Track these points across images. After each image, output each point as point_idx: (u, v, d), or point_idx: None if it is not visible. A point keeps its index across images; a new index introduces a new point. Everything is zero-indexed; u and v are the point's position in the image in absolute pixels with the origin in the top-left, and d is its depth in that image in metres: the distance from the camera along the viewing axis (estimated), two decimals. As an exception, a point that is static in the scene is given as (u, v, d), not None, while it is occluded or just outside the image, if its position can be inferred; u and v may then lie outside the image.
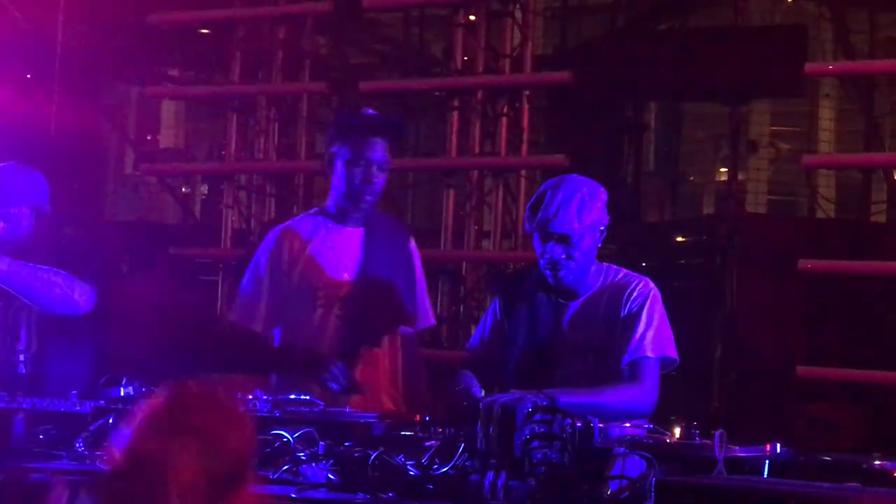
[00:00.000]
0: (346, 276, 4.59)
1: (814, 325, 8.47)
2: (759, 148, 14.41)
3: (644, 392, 3.93)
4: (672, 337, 4.05)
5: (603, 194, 4.12)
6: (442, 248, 8.43)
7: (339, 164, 4.57)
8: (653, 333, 4.00)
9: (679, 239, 10.27)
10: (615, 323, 4.04)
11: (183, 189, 13.34)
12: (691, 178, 16.08)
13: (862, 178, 11.07)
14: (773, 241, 8.86)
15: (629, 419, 3.67)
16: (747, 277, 8.88)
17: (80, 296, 4.63)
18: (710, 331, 9.03)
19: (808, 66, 8.08)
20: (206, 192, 13.32)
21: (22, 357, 4.61)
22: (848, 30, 10.74)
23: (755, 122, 14.42)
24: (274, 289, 4.59)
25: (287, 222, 4.81)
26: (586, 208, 4.07)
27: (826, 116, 14.07)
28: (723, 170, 15.65)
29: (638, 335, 3.98)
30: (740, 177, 14.77)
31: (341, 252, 4.61)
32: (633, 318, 3.99)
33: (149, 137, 15.31)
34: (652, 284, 4.11)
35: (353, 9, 8.74)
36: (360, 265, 4.60)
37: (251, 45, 9.08)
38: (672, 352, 4.04)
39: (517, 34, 8.40)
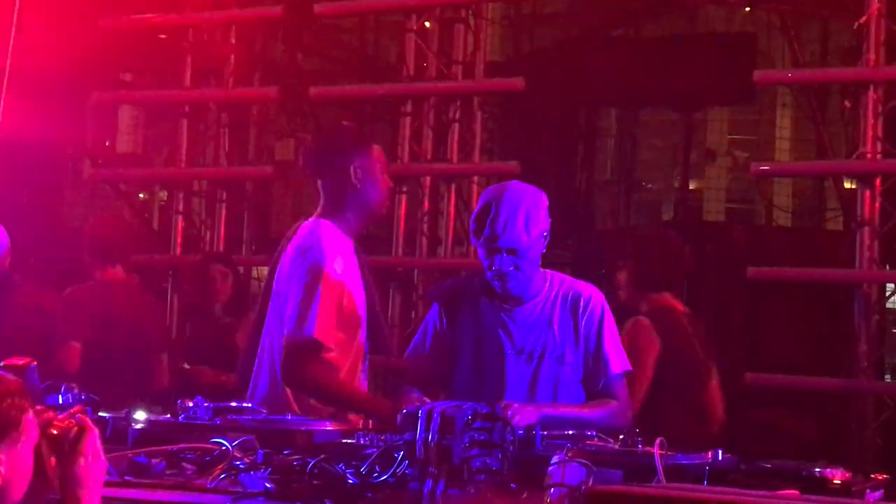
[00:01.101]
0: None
1: (763, 332, 8.53)
2: (716, 156, 14.48)
3: (623, 407, 4.07)
4: (622, 348, 4.18)
5: (544, 200, 4.13)
6: (393, 254, 8.42)
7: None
8: (615, 350, 4.10)
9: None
10: (571, 334, 4.09)
11: (140, 195, 13.24)
12: (649, 185, 16.12)
13: (813, 186, 11.15)
14: (723, 249, 8.91)
15: (610, 431, 3.72)
16: (697, 285, 8.91)
17: None
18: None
19: (758, 74, 8.13)
20: (164, 198, 13.22)
21: None
22: (798, 38, 10.81)
23: (713, 130, 14.48)
24: None
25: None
26: (532, 219, 4.08)
27: (783, 125, 14.16)
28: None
29: (606, 355, 4.08)
30: (699, 185, 14.86)
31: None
32: (597, 337, 4.10)
33: (107, 143, 15.17)
34: (600, 294, 4.16)
35: (305, 14, 8.71)
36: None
37: (203, 51, 9.03)
38: (627, 363, 4.16)
39: (470, 41, 8.41)
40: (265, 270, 9.39)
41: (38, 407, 2.56)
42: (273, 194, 10.79)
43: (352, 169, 4.27)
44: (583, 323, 4.09)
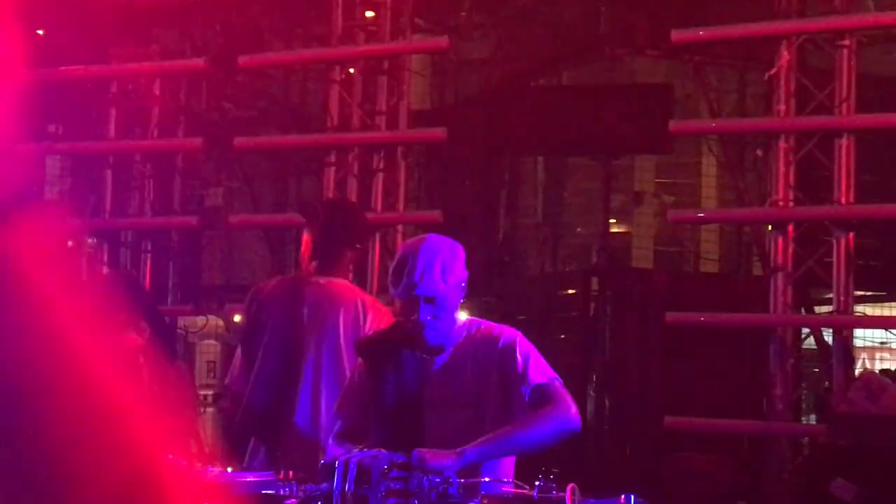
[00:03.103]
0: None
1: (682, 376, 8.67)
2: (644, 200, 14.58)
3: (556, 408, 3.87)
4: (547, 364, 4.09)
5: (461, 251, 4.20)
6: (319, 303, 8.44)
7: None
8: (534, 366, 4.03)
9: (560, 292, 10.44)
10: (488, 377, 4.08)
11: (68, 244, 13.16)
12: (578, 229, 16.24)
13: (739, 231, 11.32)
14: (644, 294, 9.05)
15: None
16: (619, 331, 9.05)
17: None
18: (586, 382, 9.18)
19: (673, 124, 8.31)
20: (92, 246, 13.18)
21: None
22: (721, 87, 11.04)
23: (641, 174, 14.60)
24: None
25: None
26: (449, 269, 4.13)
27: (709, 172, 14.33)
28: (611, 220, 15.88)
29: (525, 373, 3.97)
30: (627, 229, 15.00)
31: None
32: (511, 364, 4.03)
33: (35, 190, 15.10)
34: (514, 330, 4.17)
35: (229, 66, 8.78)
36: None
37: (127, 101, 9.06)
38: (555, 374, 4.04)
39: (394, 91, 8.51)
40: (194, 320, 9.44)
41: None
42: (202, 243, 10.80)
43: None
44: (498, 359, 4.07)
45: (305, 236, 5.19)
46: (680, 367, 8.80)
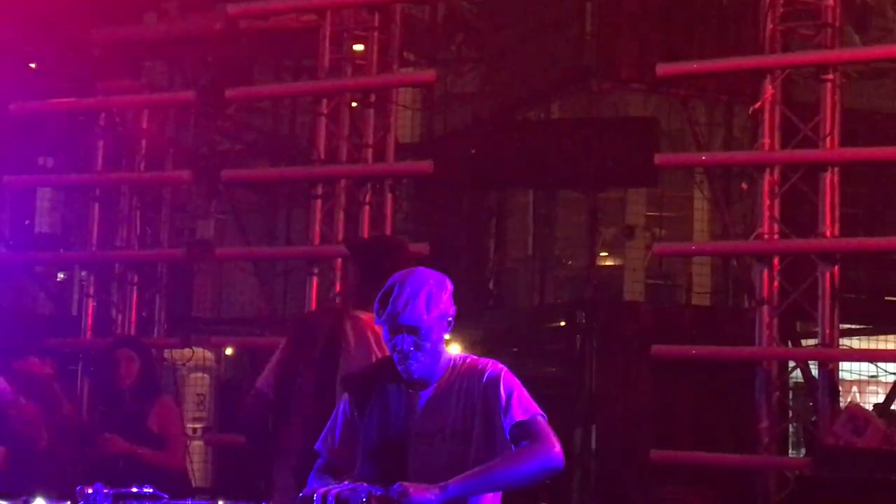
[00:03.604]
0: None
1: (668, 409, 8.67)
2: (635, 234, 14.59)
3: (537, 446, 3.85)
4: (532, 399, 4.08)
5: (449, 285, 4.21)
6: (306, 335, 8.45)
7: None
8: (517, 402, 4.02)
9: (548, 324, 10.45)
10: (473, 410, 4.09)
11: (60, 276, 13.15)
12: (570, 262, 16.23)
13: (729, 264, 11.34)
14: (629, 327, 9.07)
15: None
16: (605, 363, 9.07)
17: None
18: (573, 414, 9.18)
19: (659, 158, 8.35)
20: (84, 278, 13.16)
21: None
22: (699, 122, 11.10)
23: (633, 207, 14.61)
24: None
25: None
26: (434, 300, 4.14)
27: (701, 207, 14.34)
28: (603, 254, 15.86)
29: (508, 409, 3.94)
30: (619, 262, 14.99)
31: None
32: (495, 398, 4.03)
33: (27, 222, 15.14)
34: (498, 363, 4.17)
35: (217, 99, 8.82)
36: None
37: (115, 134, 9.08)
38: (539, 410, 4.01)
39: (382, 124, 8.56)
40: (181, 353, 9.45)
41: None
42: (193, 275, 10.81)
43: None
44: (482, 393, 4.07)
45: (352, 270, 5.42)
46: (667, 400, 8.81)
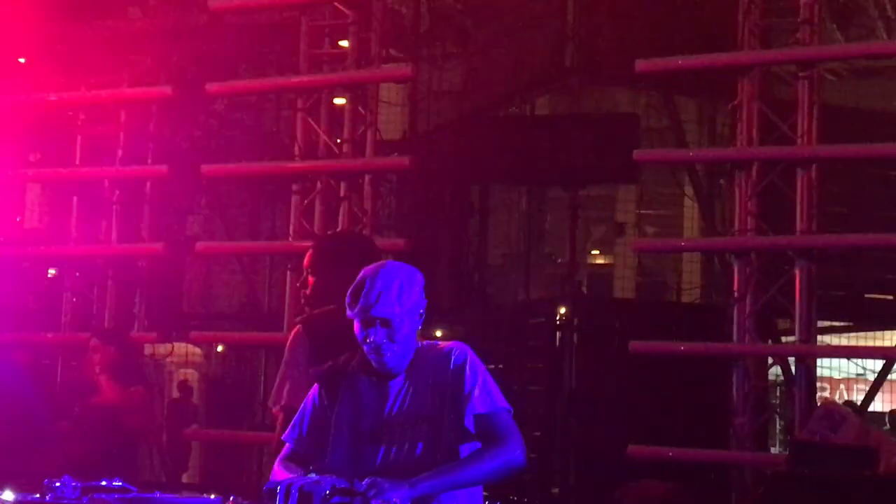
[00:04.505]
0: None
1: (646, 405, 8.69)
2: (625, 231, 14.60)
3: (501, 445, 3.91)
4: (498, 389, 4.11)
5: (420, 278, 4.21)
6: (285, 331, 8.46)
7: None
8: (482, 391, 4.03)
9: (529, 321, 10.46)
10: (440, 395, 4.09)
11: (50, 272, 13.14)
12: (558, 259, 16.24)
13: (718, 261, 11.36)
14: (609, 323, 9.08)
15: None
16: (585, 359, 9.08)
17: None
18: (554, 410, 9.20)
19: (637, 153, 8.36)
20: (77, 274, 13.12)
21: None
22: (684, 119, 11.12)
23: (623, 204, 14.61)
24: None
25: None
26: (406, 293, 4.14)
27: (689, 204, 14.35)
28: (594, 252, 15.87)
29: (470, 398, 3.95)
30: (609, 260, 15.02)
31: None
32: (459, 384, 4.04)
33: (18, 219, 15.13)
34: (463, 345, 4.18)
35: (196, 94, 8.80)
36: None
37: (94, 129, 9.07)
38: (504, 402, 4.06)
39: (361, 119, 8.55)
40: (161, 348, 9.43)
41: None
42: (176, 270, 10.79)
43: None
44: (449, 379, 4.08)
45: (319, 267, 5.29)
46: (646, 396, 8.82)
